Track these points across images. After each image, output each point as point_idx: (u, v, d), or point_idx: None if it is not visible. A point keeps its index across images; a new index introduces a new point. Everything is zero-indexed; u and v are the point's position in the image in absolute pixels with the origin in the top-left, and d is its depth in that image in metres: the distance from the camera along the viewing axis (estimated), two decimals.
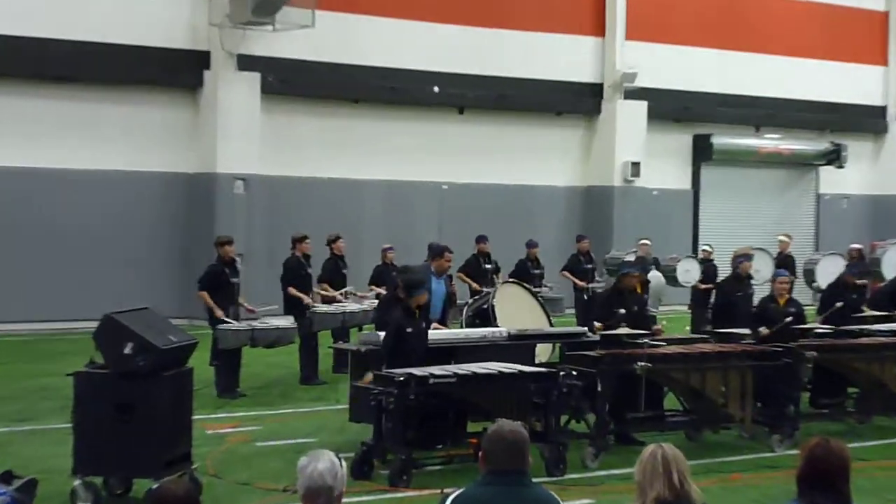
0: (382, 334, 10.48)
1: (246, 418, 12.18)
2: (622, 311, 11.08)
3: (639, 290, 12.81)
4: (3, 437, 10.98)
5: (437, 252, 12.87)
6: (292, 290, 14.54)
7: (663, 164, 25.33)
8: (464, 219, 22.35)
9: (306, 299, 14.55)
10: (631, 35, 24.60)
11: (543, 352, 12.98)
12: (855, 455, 4.57)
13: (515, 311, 13.89)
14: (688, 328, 17.70)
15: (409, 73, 22.34)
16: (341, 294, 15.30)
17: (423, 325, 10.20)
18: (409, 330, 9.90)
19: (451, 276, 14.56)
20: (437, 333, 10.75)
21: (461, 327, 13.50)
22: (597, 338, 11.16)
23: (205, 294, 13.36)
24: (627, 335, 10.96)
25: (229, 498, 8.93)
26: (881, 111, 28.54)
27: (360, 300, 15.48)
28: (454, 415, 9.68)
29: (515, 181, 23.69)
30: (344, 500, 4.20)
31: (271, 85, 20.94)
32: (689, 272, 18.69)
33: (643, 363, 10.28)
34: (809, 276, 19.81)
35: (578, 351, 10.85)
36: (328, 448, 4.39)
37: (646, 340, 10.75)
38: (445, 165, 22.92)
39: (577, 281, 18.60)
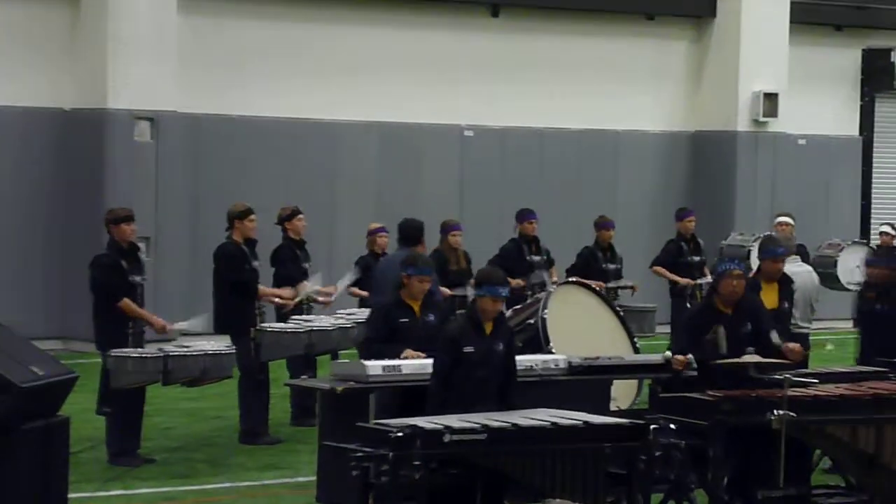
0: (372, 364, 10.55)
1: (154, 497, 12.18)
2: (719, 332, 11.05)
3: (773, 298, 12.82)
4: None
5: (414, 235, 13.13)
6: (264, 289, 14.68)
7: (815, 97, 25.29)
8: (497, 183, 22.32)
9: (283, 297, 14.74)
10: None
11: (624, 393, 12.99)
12: None
13: (579, 327, 13.93)
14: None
15: None
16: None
17: (501, 345, 10.20)
18: (466, 349, 9.96)
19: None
20: None
21: None
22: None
23: (128, 302, 13.31)
24: (756, 365, 10.97)
25: None
26: None
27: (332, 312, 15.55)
28: (484, 491, 9.70)
29: (580, 124, 23.67)
30: None
31: None
32: (857, 269, 18.62)
33: (782, 412, 10.27)
34: None
35: (680, 392, 10.85)
36: None
37: (786, 375, 10.74)
38: (470, 99, 22.90)
39: (677, 279, 18.51)
